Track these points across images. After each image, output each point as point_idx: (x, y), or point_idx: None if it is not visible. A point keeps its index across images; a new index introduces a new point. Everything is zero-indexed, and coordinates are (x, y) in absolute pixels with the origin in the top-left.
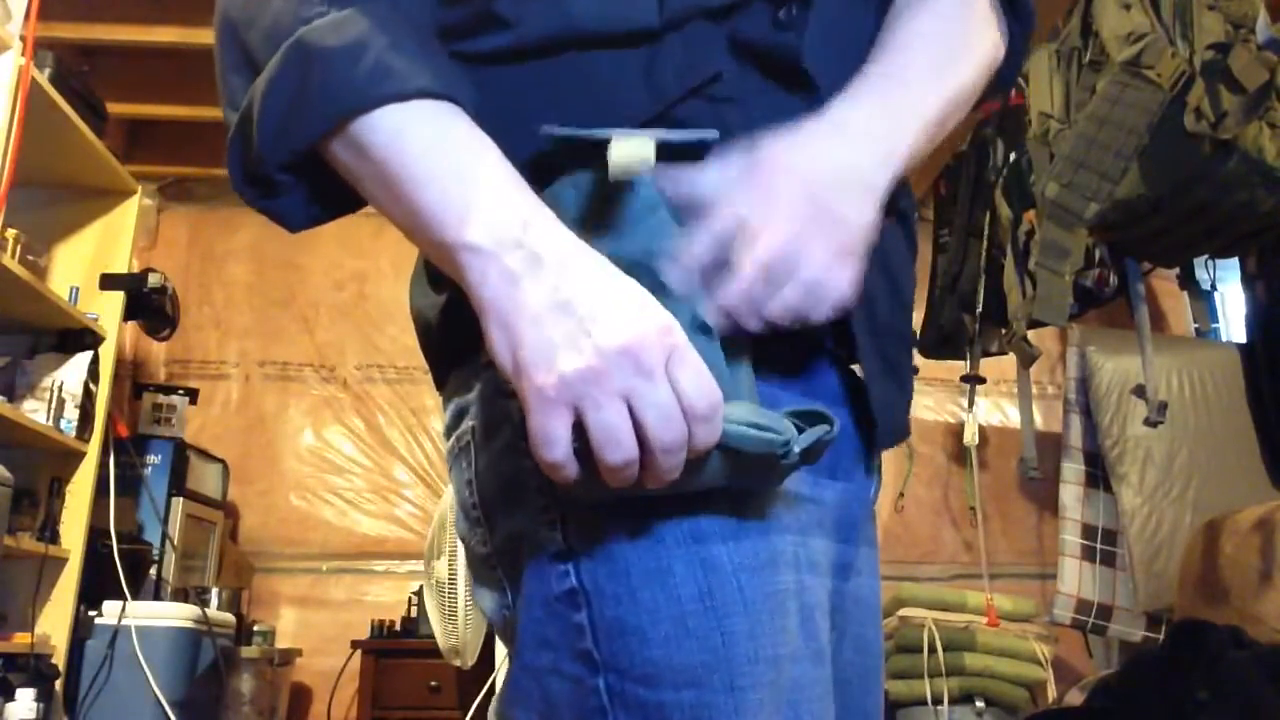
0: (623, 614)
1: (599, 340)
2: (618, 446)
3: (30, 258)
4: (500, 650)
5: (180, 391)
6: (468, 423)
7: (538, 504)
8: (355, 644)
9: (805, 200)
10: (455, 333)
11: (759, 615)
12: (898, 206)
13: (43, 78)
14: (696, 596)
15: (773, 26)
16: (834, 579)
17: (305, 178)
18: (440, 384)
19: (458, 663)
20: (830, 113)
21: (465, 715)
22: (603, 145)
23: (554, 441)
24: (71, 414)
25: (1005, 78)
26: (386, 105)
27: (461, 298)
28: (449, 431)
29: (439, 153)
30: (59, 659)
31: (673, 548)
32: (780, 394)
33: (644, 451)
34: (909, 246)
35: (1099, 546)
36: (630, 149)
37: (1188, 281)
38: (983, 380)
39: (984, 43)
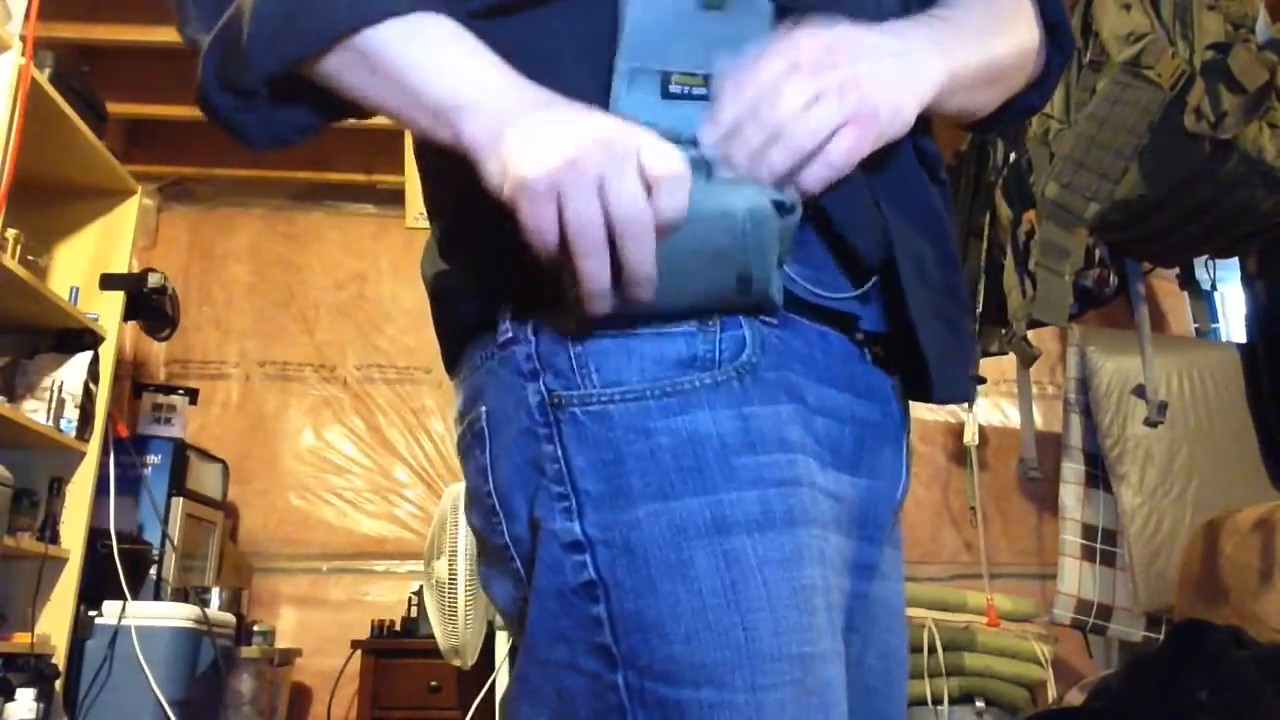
0: (643, 607)
1: (577, 135)
2: (584, 230)
3: (30, 258)
4: (500, 650)
5: (180, 391)
6: (481, 408)
7: (553, 491)
8: (355, 644)
9: (831, 67)
10: (467, 302)
11: (784, 611)
12: (939, 176)
13: (43, 78)
14: (719, 590)
15: None
16: (851, 579)
17: (275, 95)
18: (451, 366)
19: (458, 663)
20: (885, 23)
21: (465, 715)
22: None
23: (546, 228)
24: (71, 414)
25: (1043, 91)
26: (389, 19)
27: (473, 263)
28: (461, 417)
29: (438, 51)
30: (59, 659)
31: (695, 539)
32: (823, 390)
33: (617, 242)
34: (948, 212)
35: (1099, 546)
36: None
37: (1188, 281)
38: (983, 380)
39: (1029, 34)
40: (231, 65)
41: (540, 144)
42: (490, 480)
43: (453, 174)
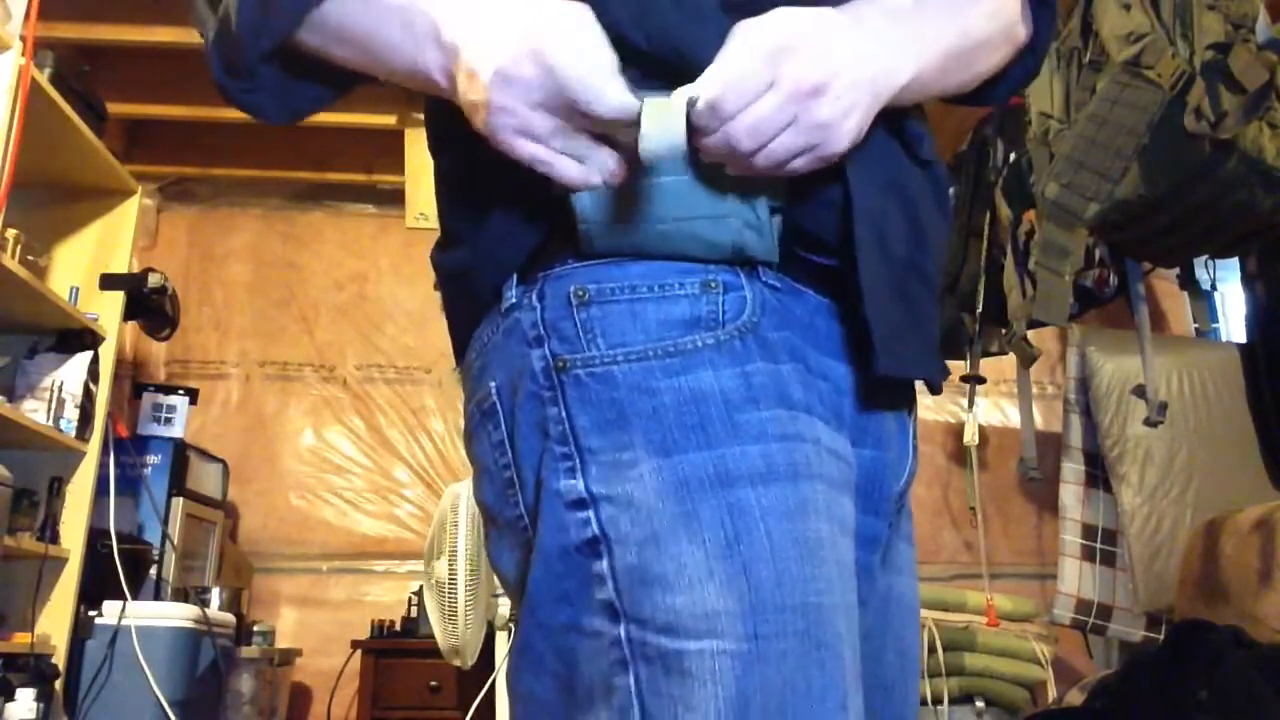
0: (646, 560)
1: (488, 84)
2: (537, 144)
3: (30, 258)
4: (500, 650)
5: (180, 391)
6: (490, 384)
7: (557, 452)
8: (355, 644)
9: (806, 96)
10: (474, 277)
11: (787, 562)
12: (920, 156)
13: (43, 78)
14: (722, 542)
15: None
16: (861, 550)
17: (282, 72)
18: (461, 350)
19: (458, 663)
20: (849, 6)
21: (465, 715)
22: None
23: (540, 160)
24: (71, 414)
25: (1028, 66)
26: None
27: (476, 234)
28: (470, 397)
29: (387, 10)
30: (59, 659)
31: (698, 491)
32: (824, 359)
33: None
34: (936, 195)
35: (1099, 546)
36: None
37: (1188, 281)
38: (983, 380)
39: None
40: (230, 53)
41: (477, 103)
42: (508, 452)
43: (450, 144)
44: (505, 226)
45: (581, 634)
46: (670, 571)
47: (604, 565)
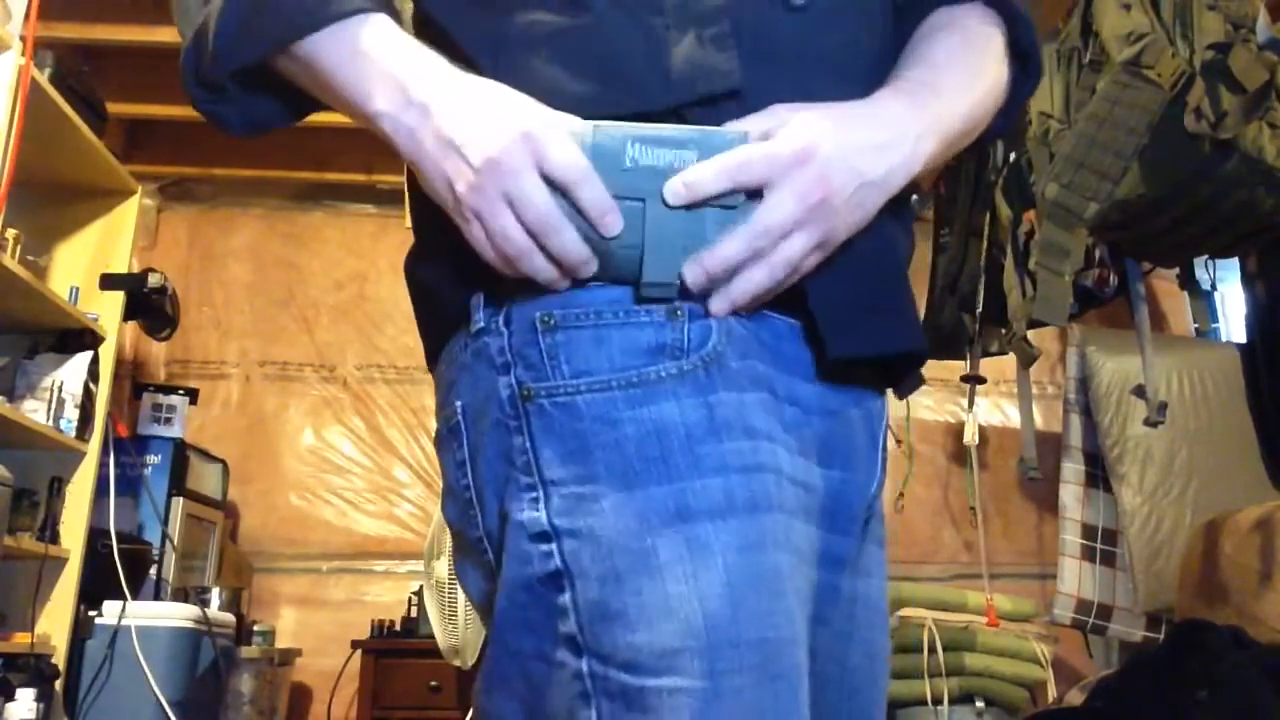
0: (606, 596)
1: (472, 160)
2: (508, 241)
3: (30, 258)
4: None
5: (180, 391)
6: (456, 402)
7: (521, 482)
8: (355, 644)
9: (820, 192)
10: (445, 294)
11: (744, 597)
12: None
13: (43, 78)
14: (680, 578)
15: (785, 11)
16: (820, 570)
17: (248, 88)
18: (432, 360)
19: (458, 663)
20: (871, 100)
21: (465, 715)
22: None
23: (483, 245)
24: (71, 414)
25: (1008, 116)
26: (328, 26)
27: (446, 255)
28: (439, 409)
29: (361, 57)
30: (59, 659)
31: (658, 528)
32: (792, 381)
33: (538, 241)
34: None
35: (1099, 546)
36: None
37: (1188, 281)
38: (983, 380)
39: (1000, 71)
40: (203, 64)
41: (451, 175)
42: (468, 474)
43: None
44: (472, 255)
45: (546, 663)
46: (630, 608)
47: (566, 599)
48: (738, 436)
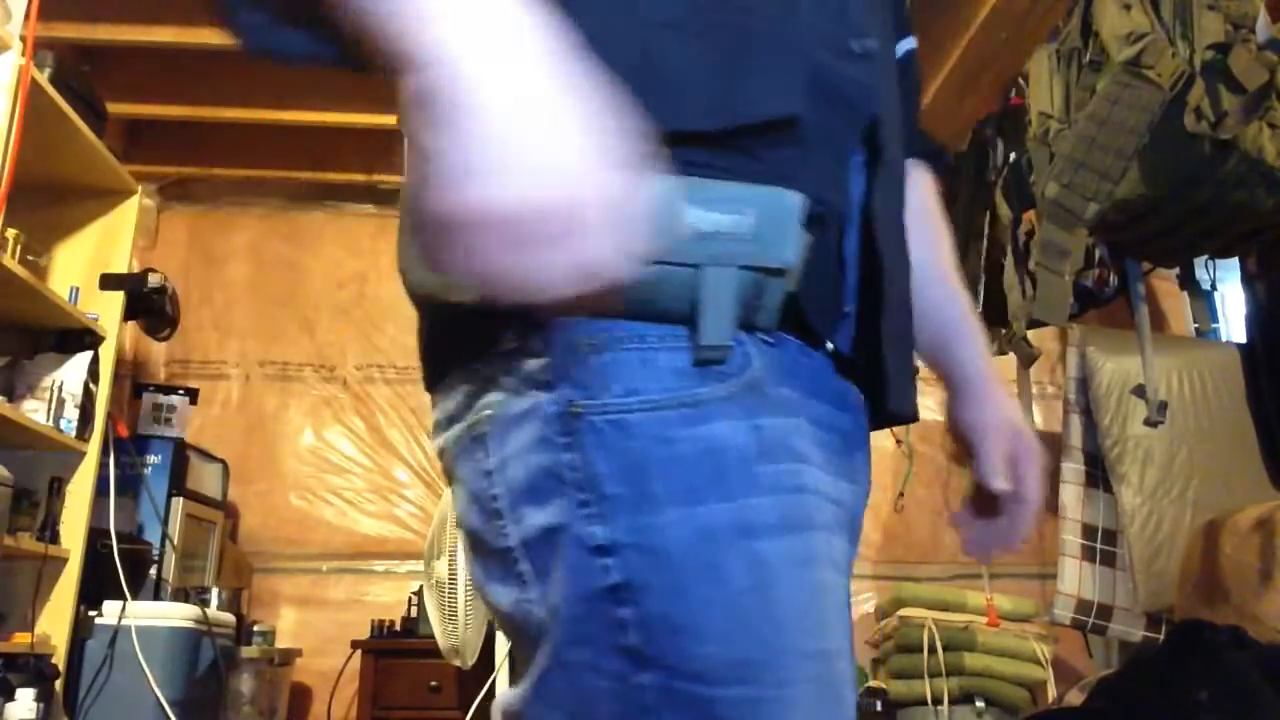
0: (673, 609)
1: (559, 171)
2: (542, 278)
3: (30, 258)
4: (500, 650)
5: (180, 391)
6: (485, 412)
7: (576, 498)
8: (355, 644)
9: None
10: (461, 310)
11: (806, 611)
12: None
13: (43, 78)
14: (748, 592)
15: (847, 58)
16: (844, 578)
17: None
18: (437, 367)
19: (458, 663)
20: (989, 369)
21: (465, 715)
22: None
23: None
24: (71, 414)
25: None
26: None
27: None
28: (451, 420)
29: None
30: (59, 659)
31: (722, 543)
32: (810, 402)
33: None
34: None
35: (1099, 546)
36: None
37: (1188, 281)
38: None
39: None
40: None
41: (511, 163)
42: (497, 484)
43: None
44: None
45: (601, 675)
46: (699, 621)
47: (627, 612)
48: (784, 458)
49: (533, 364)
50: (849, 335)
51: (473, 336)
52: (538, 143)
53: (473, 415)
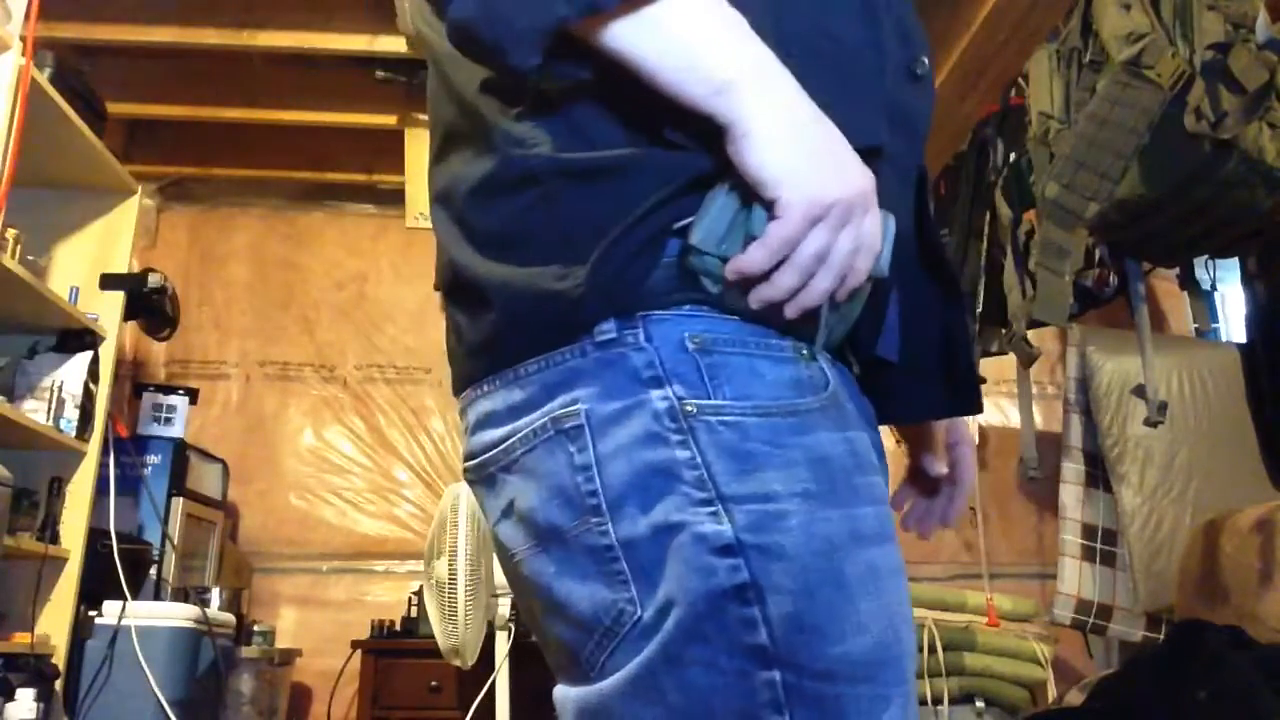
0: (802, 611)
1: (856, 176)
2: (836, 260)
3: (30, 258)
4: (501, 650)
5: (180, 391)
6: (577, 406)
7: (695, 497)
8: (355, 644)
9: None
10: (553, 296)
11: (907, 617)
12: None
13: (43, 78)
14: (867, 596)
15: (912, 81)
16: None
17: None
18: (501, 364)
19: (458, 663)
20: None
21: (465, 715)
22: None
23: (799, 239)
24: (71, 414)
25: None
26: None
27: (574, 253)
28: (516, 411)
29: (717, 25)
30: (59, 659)
31: (841, 549)
32: (859, 419)
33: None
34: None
35: (1099, 546)
36: None
37: (1188, 281)
38: (983, 380)
39: None
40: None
41: (828, 171)
42: (594, 480)
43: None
44: (622, 259)
45: (719, 672)
46: (826, 622)
47: (755, 612)
48: (870, 471)
49: (639, 359)
50: (893, 343)
51: (562, 323)
52: (838, 153)
53: (556, 407)
